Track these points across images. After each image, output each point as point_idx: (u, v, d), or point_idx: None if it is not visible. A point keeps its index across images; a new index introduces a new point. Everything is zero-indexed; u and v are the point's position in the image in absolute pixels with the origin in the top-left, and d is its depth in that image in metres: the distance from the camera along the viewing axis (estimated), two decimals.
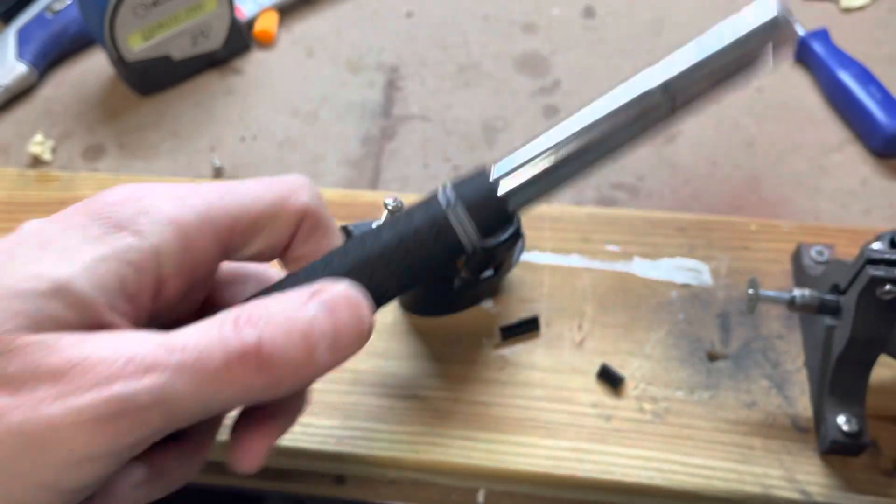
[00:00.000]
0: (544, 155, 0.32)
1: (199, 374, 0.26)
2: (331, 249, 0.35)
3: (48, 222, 0.29)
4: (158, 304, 0.30)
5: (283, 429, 0.34)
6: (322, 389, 0.52)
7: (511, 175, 0.31)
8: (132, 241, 0.28)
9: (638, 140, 0.32)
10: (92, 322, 0.27)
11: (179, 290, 0.30)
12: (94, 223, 0.28)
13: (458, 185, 0.31)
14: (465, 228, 0.31)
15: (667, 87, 0.31)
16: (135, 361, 0.25)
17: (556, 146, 0.32)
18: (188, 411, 0.27)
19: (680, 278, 0.57)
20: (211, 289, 0.36)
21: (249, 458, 0.33)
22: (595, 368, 0.52)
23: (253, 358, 0.26)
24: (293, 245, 0.35)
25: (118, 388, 0.25)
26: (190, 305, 0.34)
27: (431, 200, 0.32)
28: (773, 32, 0.31)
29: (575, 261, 0.58)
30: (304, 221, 0.34)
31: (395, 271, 0.31)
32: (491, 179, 0.31)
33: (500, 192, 0.31)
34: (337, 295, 0.29)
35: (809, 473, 0.48)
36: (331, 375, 0.53)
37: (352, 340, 0.29)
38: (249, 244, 0.33)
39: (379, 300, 0.33)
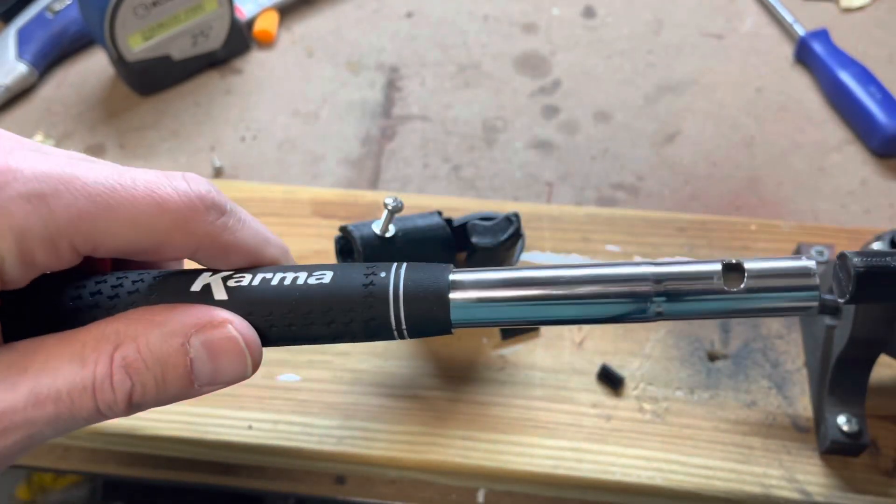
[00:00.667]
0: (510, 286, 0.28)
1: (70, 422, 0.26)
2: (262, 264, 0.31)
3: None
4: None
5: None
6: (322, 390, 0.52)
7: (468, 289, 0.28)
8: None
9: (608, 319, 0.28)
10: None
11: (30, 279, 0.27)
12: None
13: (410, 272, 0.28)
14: (399, 324, 0.28)
15: (659, 280, 0.27)
16: (5, 420, 0.25)
17: (526, 282, 0.28)
18: (52, 438, 0.27)
19: None
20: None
21: None
22: (595, 368, 0.52)
23: (123, 405, 0.26)
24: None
25: None
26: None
27: (376, 271, 0.28)
28: (801, 292, 0.27)
29: (575, 261, 0.58)
30: (198, 252, 0.28)
31: (311, 322, 0.28)
32: (447, 280, 0.28)
33: (451, 297, 0.28)
34: (220, 338, 0.27)
35: (809, 473, 0.48)
36: (331, 376, 0.53)
37: (231, 380, 0.28)
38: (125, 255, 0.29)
39: (287, 342, 0.30)
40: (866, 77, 0.68)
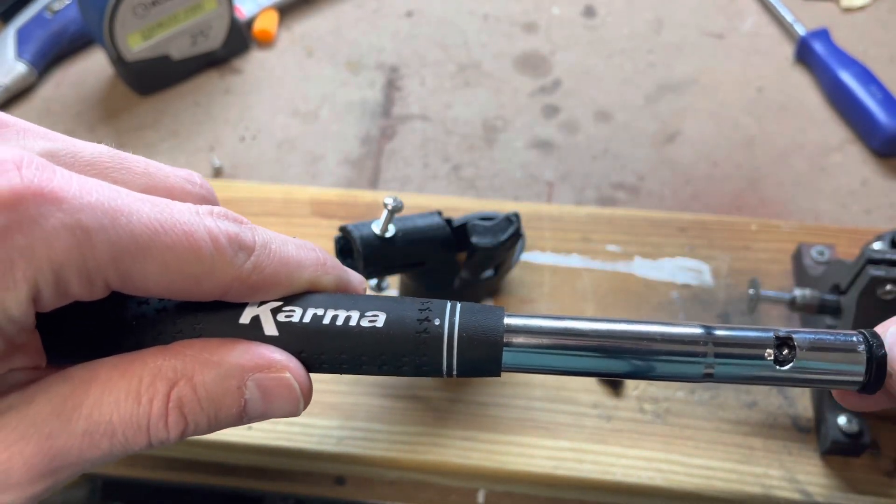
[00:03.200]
0: (563, 336, 0.28)
1: (120, 455, 0.26)
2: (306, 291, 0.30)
3: None
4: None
5: None
6: (322, 390, 0.52)
7: (521, 335, 0.28)
8: (7, 296, 0.24)
9: (657, 377, 0.29)
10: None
11: (56, 305, 0.26)
12: None
13: (465, 316, 0.29)
14: (450, 364, 0.28)
15: (715, 343, 0.28)
16: (58, 461, 0.25)
17: (579, 334, 0.28)
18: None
19: (681, 278, 0.57)
20: None
21: None
22: None
23: (175, 441, 0.27)
24: None
25: (41, 486, 0.25)
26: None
27: (431, 316, 0.28)
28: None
29: (575, 261, 0.58)
30: (227, 294, 0.28)
31: (362, 363, 0.28)
32: (502, 325, 0.28)
33: (504, 341, 0.28)
34: (276, 382, 0.27)
35: (810, 474, 0.48)
36: (331, 376, 0.53)
37: (281, 416, 0.28)
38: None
39: (333, 372, 0.30)
40: (867, 77, 0.67)
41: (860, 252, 0.46)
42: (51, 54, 0.75)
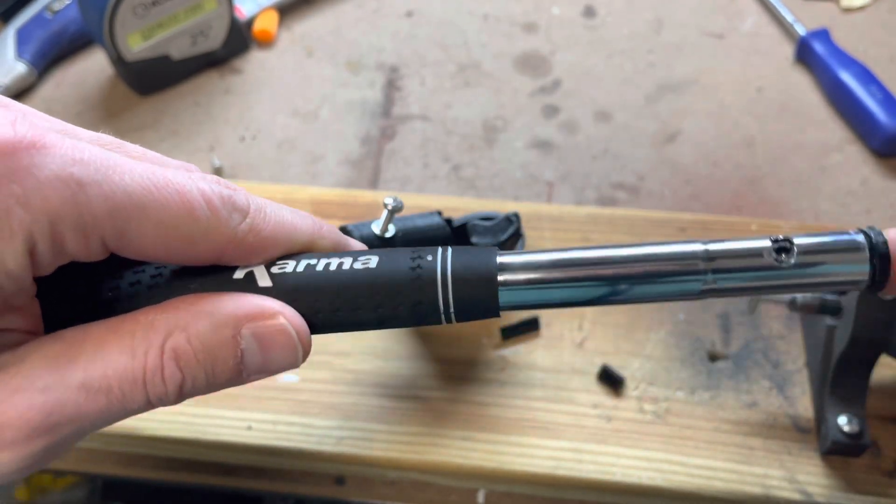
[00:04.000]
0: (558, 267, 0.28)
1: (120, 415, 0.26)
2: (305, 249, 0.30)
3: None
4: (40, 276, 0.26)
5: None
6: (322, 390, 0.52)
7: (516, 271, 0.28)
8: (2, 247, 0.24)
9: (659, 297, 0.28)
10: None
11: (54, 264, 0.26)
12: None
13: (457, 255, 0.28)
14: (447, 307, 0.28)
15: (711, 257, 0.27)
16: (56, 414, 0.25)
17: (575, 263, 0.28)
18: (100, 429, 0.27)
19: None
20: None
21: None
22: (595, 369, 0.52)
23: (173, 396, 0.26)
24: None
25: (39, 443, 0.25)
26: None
27: (423, 254, 0.28)
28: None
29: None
30: (223, 256, 0.28)
31: (358, 307, 0.28)
32: (495, 262, 0.28)
33: (500, 280, 0.28)
34: (272, 329, 0.27)
35: (810, 474, 0.48)
36: (330, 376, 0.53)
37: (281, 369, 0.28)
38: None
39: (333, 329, 0.29)
40: (867, 77, 0.67)
41: None
42: (51, 54, 0.75)
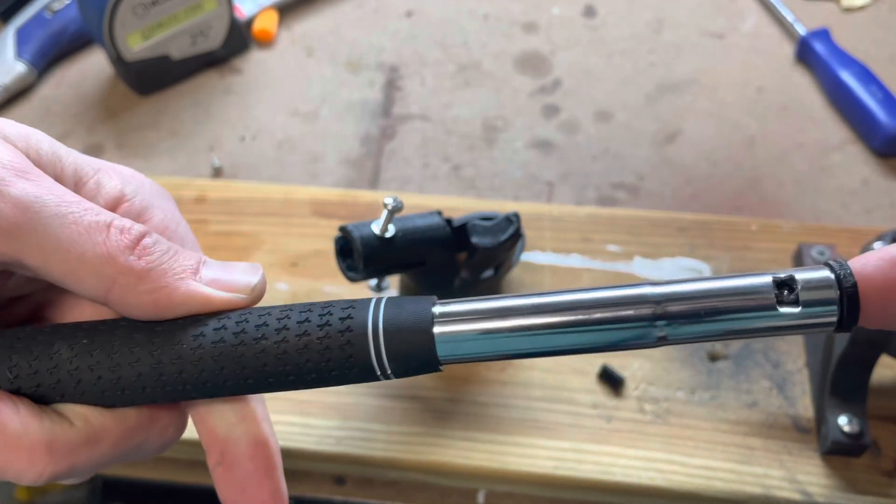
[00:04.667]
0: (499, 316, 0.25)
1: (77, 245, 0.25)
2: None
3: None
4: None
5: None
6: (321, 390, 0.52)
7: (454, 321, 0.25)
8: None
9: (608, 347, 0.25)
10: None
11: None
12: None
13: (389, 307, 0.26)
14: (380, 361, 0.26)
15: (660, 301, 0.24)
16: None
17: (515, 311, 0.25)
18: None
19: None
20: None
21: None
22: (595, 369, 0.52)
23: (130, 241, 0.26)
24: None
25: None
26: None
27: (356, 310, 0.26)
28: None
29: (575, 261, 0.58)
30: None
31: (286, 370, 0.26)
32: (430, 312, 0.26)
33: (436, 332, 0.25)
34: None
35: (810, 474, 0.48)
36: None
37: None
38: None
39: (259, 390, 0.28)
40: (867, 76, 0.67)
41: (860, 252, 0.46)
42: (50, 54, 0.75)
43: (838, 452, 0.48)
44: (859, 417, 0.47)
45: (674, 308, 0.24)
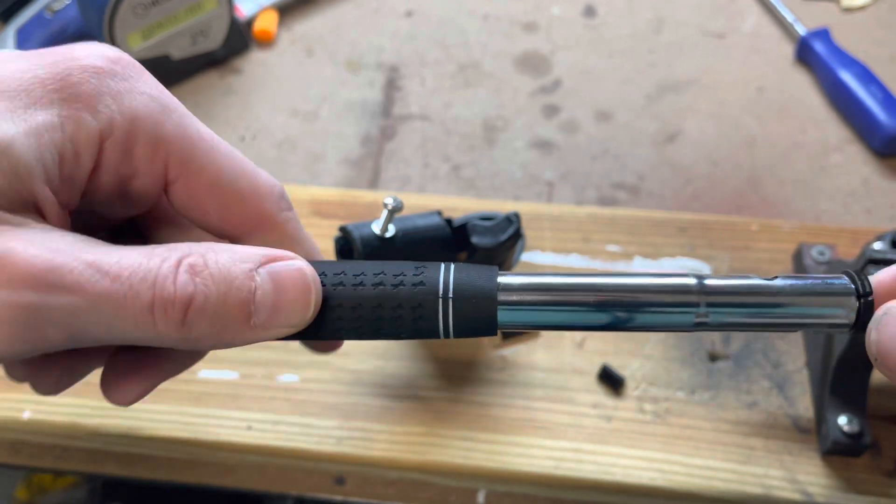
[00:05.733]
0: (557, 291, 0.29)
1: (120, 310, 0.24)
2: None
3: (9, 61, 0.26)
4: (91, 195, 0.28)
5: (169, 375, 0.31)
6: (321, 390, 0.52)
7: (516, 291, 0.29)
8: (86, 118, 0.26)
9: (652, 328, 0.29)
10: (21, 192, 0.24)
11: (114, 187, 0.28)
12: (58, 81, 0.26)
13: (459, 272, 0.29)
14: (446, 321, 0.29)
15: (706, 291, 0.28)
16: (57, 273, 0.23)
17: (572, 288, 0.29)
18: (94, 338, 0.25)
19: None
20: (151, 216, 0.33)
21: (122, 396, 0.30)
22: (596, 369, 0.52)
23: (179, 312, 0.25)
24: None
25: (31, 297, 0.23)
26: (120, 213, 0.31)
27: (428, 273, 0.29)
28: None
29: (575, 261, 0.58)
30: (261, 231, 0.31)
31: (362, 318, 0.29)
32: (496, 281, 0.29)
33: (500, 299, 0.29)
34: (289, 270, 0.27)
35: (810, 474, 0.48)
36: (330, 376, 0.53)
37: (291, 320, 0.27)
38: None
39: (332, 335, 0.30)
40: (867, 76, 0.67)
41: (861, 252, 0.46)
42: None
43: (838, 452, 0.48)
44: (859, 417, 0.47)
45: (718, 299, 0.28)
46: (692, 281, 0.29)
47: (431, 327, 0.29)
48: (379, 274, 0.29)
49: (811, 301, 0.28)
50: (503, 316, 0.29)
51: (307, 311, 0.27)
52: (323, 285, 0.28)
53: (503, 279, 0.29)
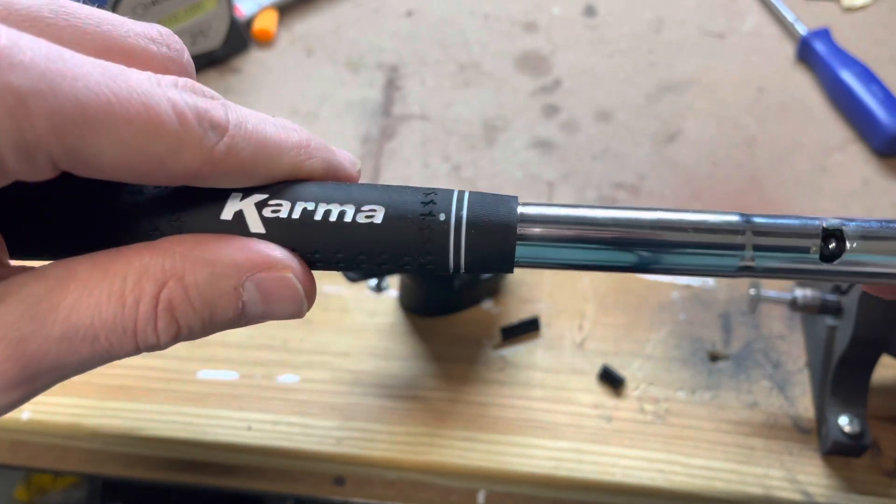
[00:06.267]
0: (585, 225, 0.25)
1: (105, 360, 0.24)
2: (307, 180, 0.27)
3: None
4: None
5: None
6: (321, 390, 0.52)
7: (538, 223, 0.25)
8: None
9: (689, 270, 0.26)
10: None
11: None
12: None
13: (474, 204, 0.26)
14: (457, 254, 0.26)
15: (754, 232, 0.25)
16: (34, 366, 0.22)
17: (602, 223, 0.25)
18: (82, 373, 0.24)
19: (681, 279, 0.56)
20: None
21: None
22: (596, 369, 0.52)
23: (165, 346, 0.24)
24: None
25: (17, 393, 0.23)
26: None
27: (435, 210, 0.26)
28: None
29: None
30: (196, 179, 0.24)
31: (361, 261, 0.26)
32: (516, 213, 0.26)
33: (518, 234, 0.25)
34: (277, 282, 0.25)
35: (811, 474, 0.48)
36: (330, 376, 0.53)
37: (283, 317, 0.26)
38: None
39: (331, 269, 0.27)
40: (868, 76, 0.67)
41: None
42: None
43: (839, 453, 0.48)
44: (860, 418, 0.47)
45: (764, 241, 0.25)
46: (737, 218, 0.25)
47: (441, 262, 0.26)
48: (385, 203, 0.26)
49: (875, 248, 0.24)
50: (522, 251, 0.26)
51: (300, 312, 0.26)
52: (316, 221, 0.25)
53: (524, 209, 0.26)
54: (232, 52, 0.75)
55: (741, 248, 0.25)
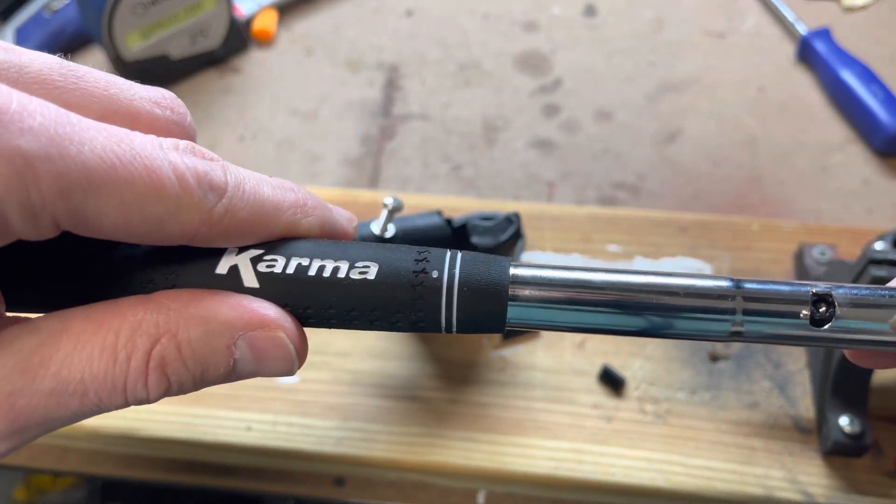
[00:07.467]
0: (577, 288, 0.25)
1: (93, 413, 0.24)
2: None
3: None
4: None
5: None
6: (321, 391, 0.52)
7: (529, 285, 0.25)
8: None
9: (679, 335, 0.25)
10: None
11: None
12: None
13: (466, 265, 0.26)
14: (449, 313, 0.25)
15: (744, 297, 0.25)
16: (23, 420, 0.23)
17: (592, 286, 0.25)
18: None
19: None
20: None
21: None
22: (596, 369, 0.52)
23: (155, 400, 0.24)
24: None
25: (5, 445, 0.23)
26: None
27: (428, 268, 0.26)
28: None
29: (576, 261, 0.57)
30: (195, 239, 0.25)
31: (353, 319, 0.26)
32: (508, 275, 0.25)
33: (511, 295, 0.25)
34: (269, 342, 0.25)
35: (811, 475, 0.48)
36: (330, 376, 0.53)
37: (274, 375, 0.26)
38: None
39: (322, 325, 0.27)
40: (868, 76, 0.67)
41: (862, 252, 0.46)
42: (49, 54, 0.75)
43: (839, 453, 0.48)
44: (860, 418, 0.47)
45: (754, 306, 0.25)
46: (727, 283, 0.25)
47: (433, 320, 0.26)
48: (378, 260, 0.26)
49: (864, 316, 0.24)
50: (514, 312, 0.25)
51: (291, 370, 0.26)
52: (310, 277, 0.26)
53: (516, 271, 0.26)
54: (232, 52, 0.75)
55: (731, 312, 0.25)
